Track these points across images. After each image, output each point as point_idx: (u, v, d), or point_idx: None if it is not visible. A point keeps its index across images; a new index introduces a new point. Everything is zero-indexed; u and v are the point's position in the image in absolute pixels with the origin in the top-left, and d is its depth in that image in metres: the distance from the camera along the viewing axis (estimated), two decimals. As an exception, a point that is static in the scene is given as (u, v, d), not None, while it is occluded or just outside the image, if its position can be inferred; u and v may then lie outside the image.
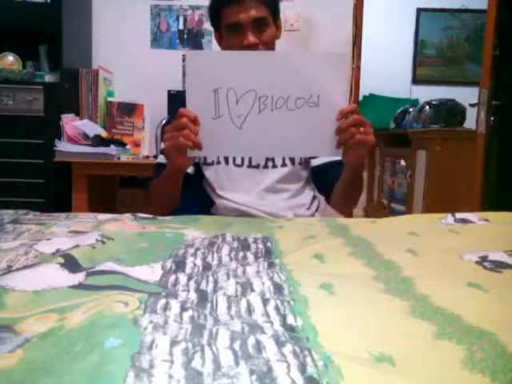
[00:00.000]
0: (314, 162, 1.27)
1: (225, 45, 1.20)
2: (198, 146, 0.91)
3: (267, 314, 0.46)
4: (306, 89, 0.91)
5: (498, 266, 0.63)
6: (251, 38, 1.12)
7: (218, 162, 1.23)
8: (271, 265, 0.64)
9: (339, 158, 1.22)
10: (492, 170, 2.54)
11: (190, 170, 1.22)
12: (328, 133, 0.93)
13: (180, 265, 0.63)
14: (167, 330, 0.41)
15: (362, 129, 0.92)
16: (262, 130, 0.92)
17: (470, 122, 2.87)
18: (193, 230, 0.85)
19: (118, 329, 0.40)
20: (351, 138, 0.92)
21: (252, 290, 0.53)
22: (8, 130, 2.16)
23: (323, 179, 1.25)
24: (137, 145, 2.47)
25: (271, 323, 0.44)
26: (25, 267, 0.59)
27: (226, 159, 1.23)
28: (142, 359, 0.35)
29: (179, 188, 1.14)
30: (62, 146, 2.14)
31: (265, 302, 0.49)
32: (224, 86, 0.90)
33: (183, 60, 2.66)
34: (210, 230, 0.86)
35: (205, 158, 1.24)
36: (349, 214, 2.36)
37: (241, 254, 0.70)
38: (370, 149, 0.96)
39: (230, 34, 1.15)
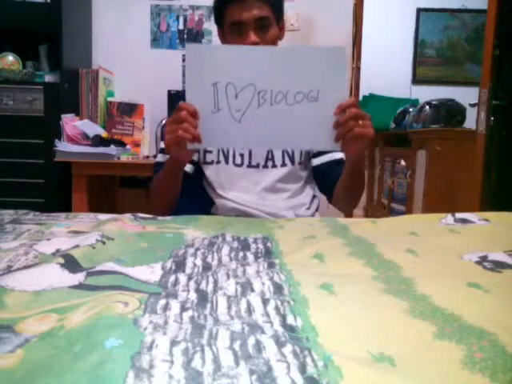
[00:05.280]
0: (315, 162, 1.27)
1: (227, 43, 1.21)
2: (197, 138, 0.92)
3: (267, 314, 0.46)
4: (306, 83, 0.91)
5: (498, 265, 0.63)
6: (253, 37, 1.13)
7: (218, 162, 1.23)
8: (271, 265, 0.64)
9: (340, 156, 1.22)
10: (492, 170, 2.54)
11: (190, 169, 1.23)
12: (327, 127, 0.93)
13: (180, 265, 0.63)
14: (167, 330, 0.41)
15: (360, 122, 0.92)
16: (260, 125, 0.93)
17: (470, 122, 2.87)
18: (193, 230, 0.85)
19: (118, 329, 0.40)
20: (350, 132, 0.92)
21: (252, 290, 0.53)
22: (8, 130, 2.16)
23: (324, 179, 1.26)
24: (137, 145, 2.47)
25: (271, 323, 0.44)
26: (25, 267, 0.59)
27: (226, 158, 1.23)
28: (142, 359, 0.35)
29: (179, 183, 1.15)
30: (62, 146, 2.14)
31: (265, 302, 0.49)
32: (223, 80, 0.90)
33: (183, 60, 2.67)
34: (209, 230, 0.86)
35: (204, 158, 1.24)
36: (349, 214, 2.35)
37: (241, 254, 0.70)
38: (369, 141, 0.96)
39: (233, 33, 1.16)
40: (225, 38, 1.21)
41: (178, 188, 1.16)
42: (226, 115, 0.92)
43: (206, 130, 0.92)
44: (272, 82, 0.91)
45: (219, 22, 1.21)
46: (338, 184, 1.19)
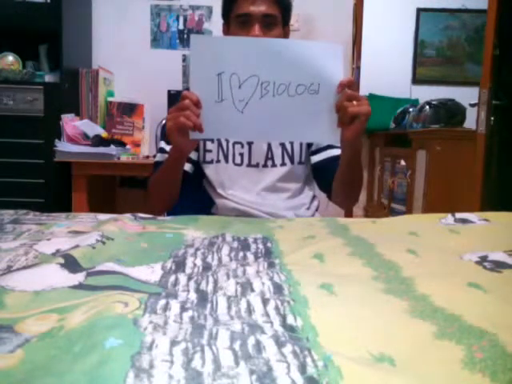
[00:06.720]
0: (314, 159, 1.26)
1: (231, 35, 1.21)
2: (198, 127, 0.93)
3: (267, 314, 0.46)
4: (307, 76, 0.92)
5: (498, 266, 0.63)
6: (257, 31, 1.13)
7: (218, 161, 1.23)
8: (271, 265, 0.64)
9: (338, 153, 1.20)
10: (492, 170, 2.54)
11: (190, 169, 1.23)
12: (326, 120, 0.94)
13: (180, 265, 0.63)
14: (167, 330, 0.41)
15: (354, 102, 0.92)
16: (263, 115, 0.94)
17: (470, 122, 2.87)
18: (193, 230, 0.85)
19: (118, 329, 0.40)
20: (345, 113, 0.92)
21: (252, 290, 0.53)
22: (8, 130, 2.16)
23: (324, 175, 1.25)
24: (137, 145, 2.47)
25: (271, 323, 0.44)
26: (25, 267, 0.59)
27: (226, 158, 1.23)
28: (142, 359, 0.35)
29: (179, 177, 1.14)
30: (62, 145, 2.14)
31: (265, 302, 0.49)
32: (227, 71, 0.91)
33: (183, 60, 2.67)
34: (210, 229, 0.86)
35: (204, 157, 1.24)
36: (349, 214, 2.35)
37: (241, 254, 0.70)
38: (366, 120, 0.94)
39: (238, 25, 1.17)
40: (229, 32, 1.21)
41: (178, 183, 1.16)
42: (229, 105, 0.93)
43: (208, 119, 0.93)
44: (275, 74, 0.92)
45: (226, 14, 1.21)
46: (336, 176, 1.17)
